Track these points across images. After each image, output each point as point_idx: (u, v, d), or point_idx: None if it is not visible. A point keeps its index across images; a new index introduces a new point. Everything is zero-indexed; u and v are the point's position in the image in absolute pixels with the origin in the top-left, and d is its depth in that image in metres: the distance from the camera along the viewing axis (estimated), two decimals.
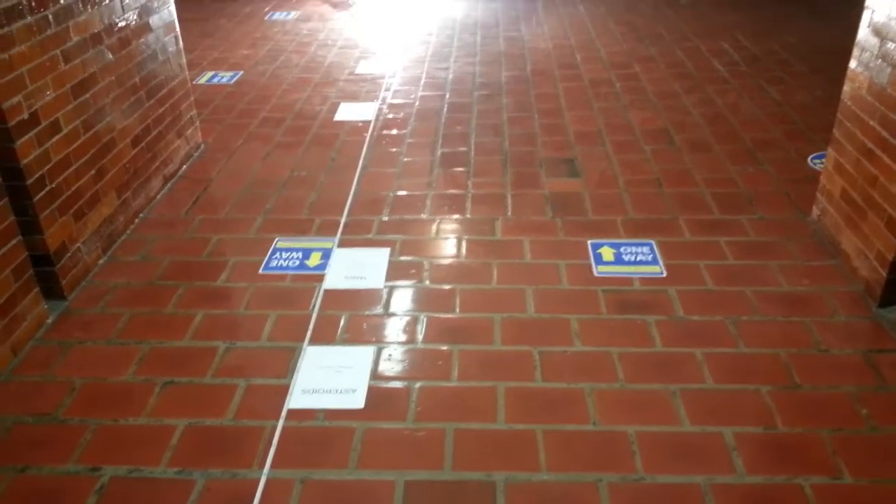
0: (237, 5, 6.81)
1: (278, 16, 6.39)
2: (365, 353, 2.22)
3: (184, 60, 3.58)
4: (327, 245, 2.81)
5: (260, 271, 2.65)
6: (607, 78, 4.58)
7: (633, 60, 4.89)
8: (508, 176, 3.38)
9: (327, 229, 2.94)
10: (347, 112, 4.19)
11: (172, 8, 3.42)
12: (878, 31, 2.33)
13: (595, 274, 2.58)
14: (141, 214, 3.07)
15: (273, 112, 4.21)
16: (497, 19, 6.08)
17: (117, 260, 2.79)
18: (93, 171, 2.69)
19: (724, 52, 4.99)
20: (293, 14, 6.42)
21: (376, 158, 3.60)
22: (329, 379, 2.10)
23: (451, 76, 4.73)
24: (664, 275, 2.55)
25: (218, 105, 4.33)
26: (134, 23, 3.02)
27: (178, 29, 3.48)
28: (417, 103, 4.29)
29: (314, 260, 2.69)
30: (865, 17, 2.41)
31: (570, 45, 5.28)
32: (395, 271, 2.65)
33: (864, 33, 2.42)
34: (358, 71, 4.89)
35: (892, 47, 2.24)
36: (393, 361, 2.20)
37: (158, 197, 3.22)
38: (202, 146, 3.75)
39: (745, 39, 5.24)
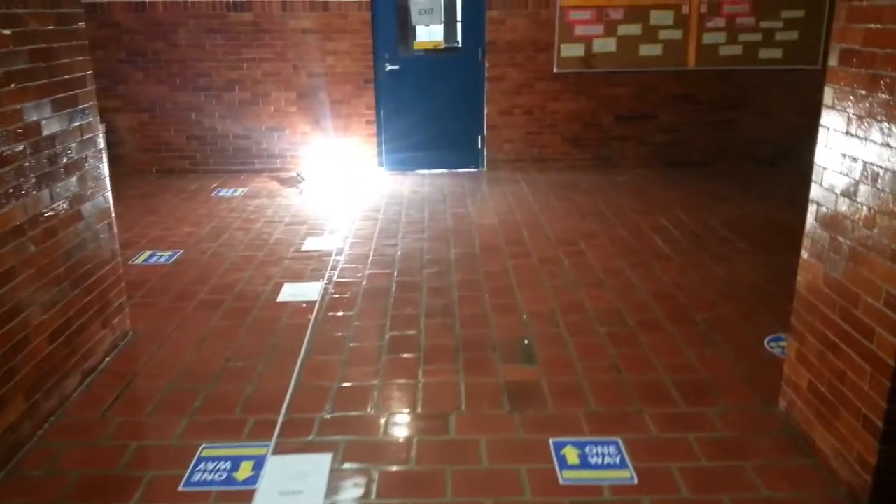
0: (185, 181, 6.81)
1: (225, 192, 6.38)
2: None
3: (117, 245, 3.41)
4: (260, 452, 2.51)
5: (180, 488, 2.33)
6: (555, 255, 4.59)
7: (578, 237, 4.95)
8: (461, 362, 3.20)
9: (262, 431, 2.66)
10: (291, 292, 4.03)
11: (108, 194, 3.30)
12: (826, 225, 2.34)
13: (560, 481, 2.34)
14: (52, 418, 2.74)
15: (212, 294, 4.01)
16: (444, 195, 6.19)
17: (19, 474, 2.43)
18: None
19: (664, 228, 5.11)
20: (240, 191, 6.42)
21: (320, 344, 3.40)
22: None
23: (399, 253, 4.68)
24: (635, 481, 2.33)
25: (153, 287, 4.12)
26: (63, 212, 2.86)
27: (112, 215, 3.34)
28: (365, 282, 4.17)
29: (244, 472, 2.39)
30: (812, 210, 2.44)
31: (515, 222, 5.35)
32: (338, 483, 2.36)
33: (812, 226, 2.43)
34: (304, 248, 4.80)
35: (843, 241, 2.23)
36: None
37: (74, 396, 2.91)
38: (130, 334, 3.48)
39: (683, 215, 5.41)
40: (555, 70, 6.82)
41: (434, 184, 6.63)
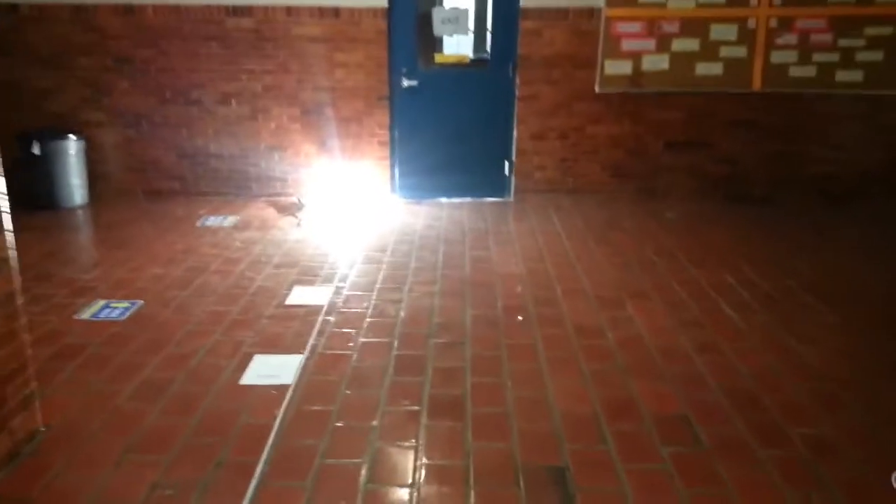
0: (171, 206, 6.02)
1: (213, 221, 5.58)
2: None
3: (21, 320, 2.57)
4: None
5: None
6: (596, 324, 3.69)
7: (624, 295, 4.04)
8: (472, 500, 2.31)
9: None
10: (260, 371, 3.17)
11: (10, 253, 2.47)
12: None
13: None
14: None
15: (160, 369, 3.17)
16: (463, 232, 5.31)
17: None
18: None
19: (730, 288, 4.18)
20: (230, 220, 5.61)
21: (284, 459, 2.53)
22: None
23: (403, 313, 3.80)
24: None
25: (91, 356, 3.29)
26: None
27: (14, 282, 2.51)
28: (356, 357, 3.30)
29: None
30: None
31: (546, 272, 4.45)
32: None
33: None
34: (289, 301, 3.95)
35: None
36: None
37: None
38: (39, 435, 2.65)
39: (750, 270, 4.47)
40: (597, 89, 5.92)
41: (453, 216, 5.76)
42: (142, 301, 3.95)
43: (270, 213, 5.84)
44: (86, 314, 3.77)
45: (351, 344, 3.44)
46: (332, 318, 3.73)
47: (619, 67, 5.88)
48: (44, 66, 5.97)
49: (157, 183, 6.31)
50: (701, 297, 4.06)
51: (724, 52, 5.83)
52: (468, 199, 6.23)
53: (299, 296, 4.04)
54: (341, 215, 5.74)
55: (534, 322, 3.70)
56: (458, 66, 6.05)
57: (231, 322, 3.68)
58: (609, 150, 6.09)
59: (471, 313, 3.82)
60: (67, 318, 3.71)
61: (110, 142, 6.19)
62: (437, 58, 6.09)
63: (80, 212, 5.91)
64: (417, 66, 6.00)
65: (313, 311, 3.83)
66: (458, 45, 6.34)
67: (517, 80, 5.96)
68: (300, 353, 3.34)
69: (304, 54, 5.94)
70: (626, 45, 5.84)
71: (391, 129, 6.12)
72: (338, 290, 4.12)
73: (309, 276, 4.37)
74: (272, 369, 3.18)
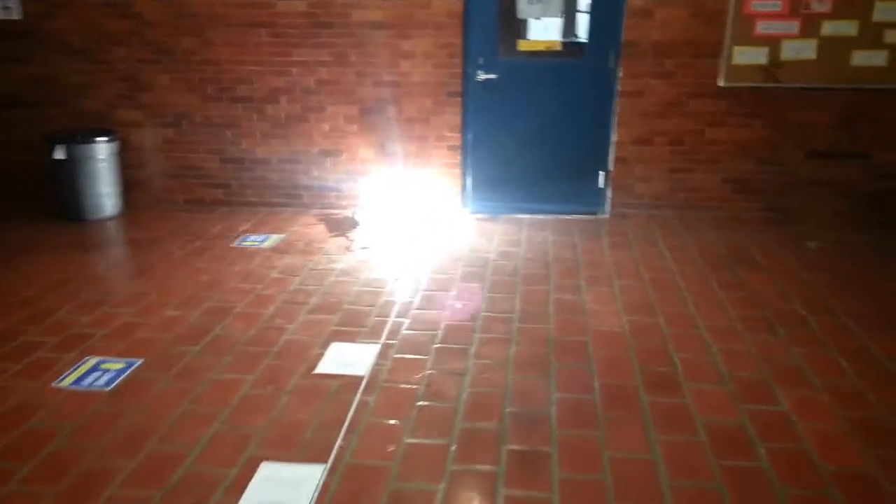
0: (211, 218, 5.26)
1: (252, 240, 4.76)
2: None
3: None
4: None
5: None
6: (738, 427, 2.61)
7: (772, 377, 2.93)
8: None
9: None
10: (268, 488, 2.28)
11: None
12: None
13: None
14: None
15: (131, 484, 2.32)
16: (546, 263, 4.28)
17: None
18: None
19: None
20: (271, 239, 4.77)
21: None
22: None
23: (465, 393, 2.84)
24: None
25: (50, 457, 2.48)
26: None
27: None
28: (395, 472, 2.36)
29: None
30: None
31: (658, 328, 3.37)
32: None
33: None
34: (321, 368, 3.06)
35: None
36: None
37: None
38: None
39: None
40: (721, 83, 4.74)
41: (534, 239, 4.72)
42: (141, 359, 3.14)
43: (320, 230, 4.97)
44: (68, 380, 2.99)
45: (392, 448, 2.50)
46: (371, 400, 2.80)
47: (751, 56, 4.68)
48: (76, 57, 5.29)
49: (199, 191, 5.56)
50: (879, 379, 2.90)
51: (891, 37, 4.53)
52: (553, 216, 5.18)
53: (335, 358, 3.13)
54: (400, 236, 4.81)
55: (647, 417, 2.66)
56: (547, 56, 4.98)
57: (241, 400, 2.81)
58: (733, 160, 4.90)
59: (557, 397, 2.81)
60: (44, 386, 2.93)
61: (148, 144, 5.48)
62: (521, 45, 5.03)
63: (108, 225, 5.21)
64: (497, 55, 4.97)
65: (349, 384, 2.91)
66: (545, 31, 5.28)
67: (619, 72, 4.85)
68: (321, 461, 2.43)
69: (363, 43, 5.02)
70: (762, 27, 4.63)
71: (463, 131, 5.14)
72: (384, 351, 3.19)
73: (352, 326, 3.46)
74: (280, 490, 2.28)
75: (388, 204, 5.30)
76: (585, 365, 3.05)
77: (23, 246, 4.66)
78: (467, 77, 5.00)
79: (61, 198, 5.22)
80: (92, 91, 5.36)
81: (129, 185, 5.51)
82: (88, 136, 5.18)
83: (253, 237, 4.83)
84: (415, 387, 2.89)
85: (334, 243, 4.69)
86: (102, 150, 5.22)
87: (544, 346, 3.23)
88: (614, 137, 4.98)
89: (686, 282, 3.94)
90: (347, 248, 4.58)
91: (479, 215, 5.26)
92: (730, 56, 4.70)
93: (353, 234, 4.86)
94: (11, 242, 4.73)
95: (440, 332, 3.37)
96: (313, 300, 3.78)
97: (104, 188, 5.29)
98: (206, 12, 5.09)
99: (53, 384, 2.94)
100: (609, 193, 5.12)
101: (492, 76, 4.97)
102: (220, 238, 4.83)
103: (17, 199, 5.53)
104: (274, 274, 4.16)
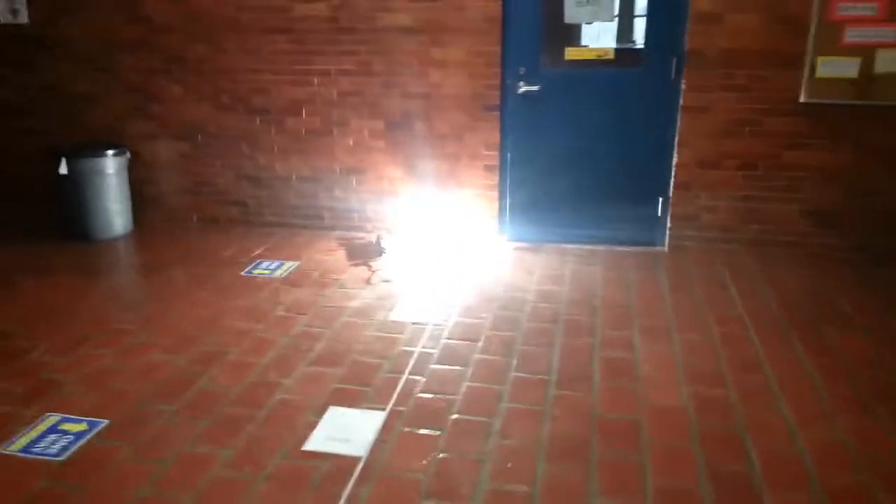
0: (225, 240, 4.84)
1: (264, 268, 4.28)
2: None
3: None
4: None
5: None
6: None
7: (875, 483, 2.27)
8: None
9: None
10: None
11: None
12: None
13: None
14: None
15: None
16: (593, 307, 3.67)
17: None
18: None
19: None
20: (284, 267, 4.29)
21: None
22: None
23: (483, 489, 2.27)
24: None
25: None
26: None
27: None
28: None
29: None
30: None
31: (729, 406, 2.74)
32: None
33: None
34: (310, 443, 2.52)
35: None
36: None
37: None
38: None
39: None
40: (802, 98, 4.07)
41: (580, 275, 4.11)
42: (106, 421, 2.67)
43: (339, 257, 4.46)
44: (19, 443, 2.53)
45: None
46: (364, 493, 2.25)
47: (838, 68, 3.99)
48: (83, 65, 4.92)
49: (214, 209, 5.13)
50: None
51: None
52: (603, 247, 4.56)
53: (330, 430, 2.60)
54: (428, 267, 4.26)
55: None
56: (597, 65, 4.37)
57: (209, 485, 2.29)
58: (815, 188, 4.21)
59: (600, 501, 2.20)
60: None
61: (160, 158, 5.08)
62: (569, 53, 4.43)
63: (114, 246, 4.82)
64: (540, 64, 4.39)
65: (341, 468, 2.37)
66: (597, 37, 4.67)
67: (682, 85, 4.21)
68: None
69: (391, 50, 4.50)
70: (852, 34, 3.94)
71: (501, 149, 4.57)
72: (390, 422, 2.64)
73: (357, 383, 2.92)
74: None
75: (417, 228, 4.77)
76: (636, 456, 2.43)
77: (16, 268, 4.29)
78: (506, 89, 4.43)
79: (67, 215, 4.86)
80: (100, 102, 4.99)
81: (141, 202, 5.12)
82: (96, 150, 4.79)
83: (265, 264, 4.35)
84: (420, 477, 2.33)
85: (353, 274, 4.17)
86: (111, 165, 4.84)
87: (586, 423, 2.63)
88: (675, 159, 4.34)
89: (762, 341, 3.28)
90: (367, 281, 4.06)
91: (519, 244, 4.68)
92: (813, 68, 4.02)
93: (375, 263, 4.33)
94: (4, 265, 4.36)
95: (459, 398, 2.80)
96: (318, 347, 3.26)
97: (113, 205, 4.91)
98: (218, 13, 4.65)
99: (2, 449, 2.49)
100: (668, 223, 4.47)
101: (534, 88, 4.39)
102: (230, 264, 4.37)
103: (20, 216, 5.19)
104: (279, 311, 3.66)
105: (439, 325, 3.47)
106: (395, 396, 2.82)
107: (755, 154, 4.22)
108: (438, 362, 3.10)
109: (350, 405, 2.76)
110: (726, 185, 4.31)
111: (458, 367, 3.05)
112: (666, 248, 4.49)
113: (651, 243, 4.54)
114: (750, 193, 4.29)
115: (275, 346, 3.27)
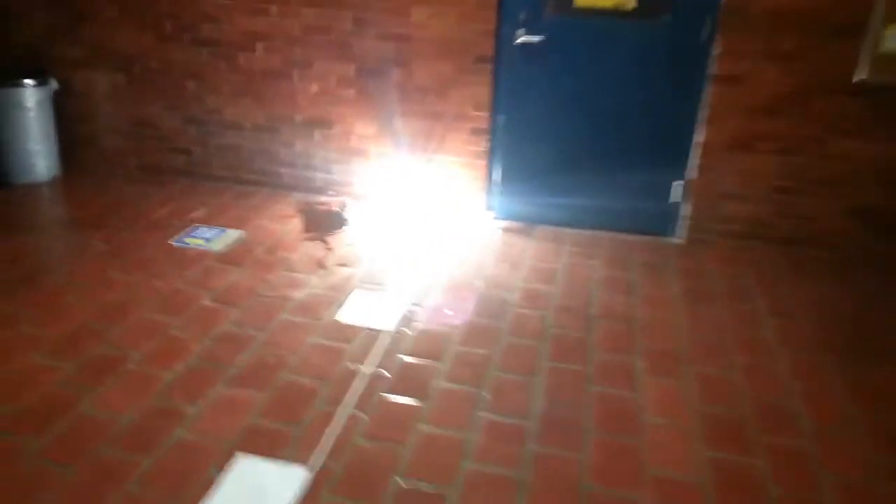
0: (161, 196, 4.12)
1: (197, 237, 3.57)
2: None
3: None
4: None
5: None
6: None
7: None
8: None
9: None
10: None
11: None
12: None
13: None
14: None
15: None
16: (588, 319, 3.01)
17: None
18: None
19: None
20: (223, 238, 3.58)
21: None
22: None
23: None
24: None
25: None
26: None
27: None
28: None
29: None
30: None
31: (756, 479, 2.13)
32: None
33: None
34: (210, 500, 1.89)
35: None
36: None
37: None
38: None
39: None
40: (861, 76, 3.32)
41: (577, 272, 3.44)
42: None
43: (293, 228, 3.75)
44: None
45: None
46: None
47: None
48: None
49: (156, 155, 4.38)
50: None
51: None
52: (606, 234, 3.88)
53: (231, 496, 1.95)
54: (395, 249, 3.57)
55: None
56: (613, 15, 3.57)
57: None
58: (866, 184, 3.50)
59: None
60: None
61: (95, 92, 4.29)
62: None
63: (33, 194, 4.11)
64: (544, 10, 3.59)
65: None
66: None
67: (715, 48, 3.45)
68: None
69: None
70: None
71: (493, 110, 3.82)
72: (315, 488, 2.00)
73: (280, 419, 2.27)
74: None
75: (389, 197, 4.06)
76: None
77: None
78: (502, 38, 3.65)
79: None
80: (20, 20, 4.16)
81: (73, 141, 4.37)
82: (12, 77, 4.01)
83: (202, 231, 3.65)
84: None
85: (305, 252, 3.48)
86: (31, 96, 4.06)
87: (572, 500, 2.00)
88: (699, 137, 3.61)
89: (796, 375, 2.64)
90: (320, 264, 3.37)
91: (508, 223, 3.98)
92: (878, 40, 3.26)
93: (334, 239, 3.63)
94: None
95: (409, 451, 2.16)
96: (242, 358, 2.59)
97: (33, 145, 4.15)
98: None
99: None
100: (686, 211, 3.77)
101: (536, 39, 3.60)
102: (160, 227, 3.66)
103: None
104: (206, 300, 2.98)
105: (398, 332, 2.81)
106: (327, 445, 2.17)
107: (797, 137, 3.49)
108: (389, 390, 2.45)
109: (266, 453, 2.11)
110: (759, 171, 3.59)
111: (413, 401, 2.40)
112: (681, 241, 3.81)
113: (663, 233, 3.85)
114: (786, 184, 3.58)
115: (189, 353, 2.61)
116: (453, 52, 3.71)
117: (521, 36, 3.60)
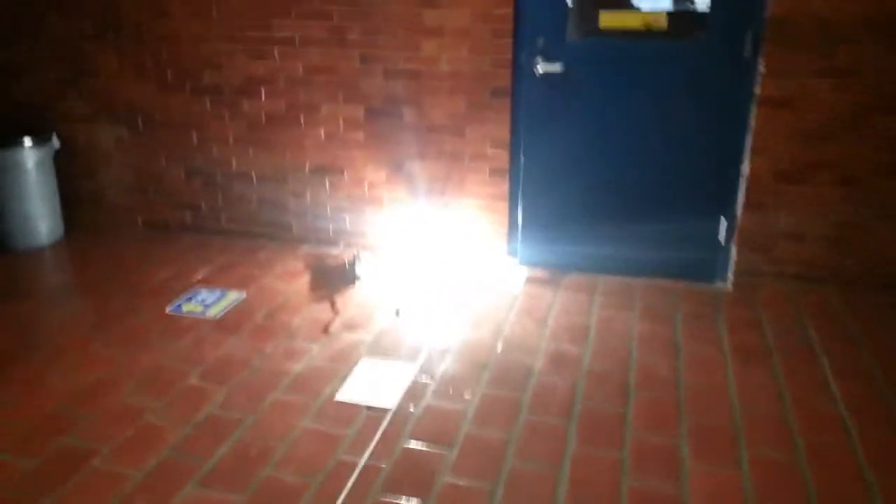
0: (167, 256, 3.89)
1: (195, 303, 3.31)
2: None
3: None
4: None
5: None
6: None
7: None
8: None
9: None
10: None
11: None
12: None
13: None
14: None
15: None
16: (625, 387, 2.62)
17: None
18: None
19: None
20: (223, 302, 3.30)
21: None
22: None
23: None
24: None
25: None
26: None
27: None
28: None
29: None
30: None
31: None
32: None
33: None
34: None
35: None
36: None
37: None
38: None
39: None
40: None
41: (612, 327, 3.03)
42: None
43: (299, 286, 3.46)
44: None
45: None
46: None
47: None
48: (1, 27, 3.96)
49: (162, 211, 4.17)
50: None
51: None
52: (644, 280, 3.46)
53: None
54: (410, 305, 3.23)
55: None
56: (643, 37, 3.20)
57: None
58: None
59: None
60: None
61: (98, 146, 4.12)
62: (604, 19, 3.26)
63: (32, 260, 3.92)
64: (566, 35, 3.24)
65: None
66: None
67: (760, 66, 3.04)
68: None
69: (371, 13, 3.42)
70: None
71: (513, 147, 3.47)
72: None
73: None
74: None
75: (404, 247, 3.74)
76: None
77: None
78: (520, 68, 3.32)
79: None
80: (27, 75, 4.03)
81: (76, 199, 4.21)
82: (11, 135, 3.86)
83: (202, 296, 3.38)
84: None
85: (310, 315, 3.17)
86: (31, 157, 3.90)
87: None
88: (747, 168, 3.19)
89: (877, 467, 2.18)
90: (325, 330, 3.05)
91: (533, 270, 3.60)
92: None
93: (342, 298, 3.32)
94: None
95: None
96: (222, 450, 2.28)
97: (34, 208, 3.98)
98: None
99: None
100: (734, 253, 3.34)
101: (557, 67, 3.25)
102: (159, 292, 3.41)
103: None
104: (193, 378, 2.69)
105: (403, 412, 2.46)
106: None
107: (858, 165, 3.04)
108: (387, 488, 2.09)
109: None
110: (816, 205, 3.15)
111: (414, 502, 2.03)
112: (729, 287, 3.37)
113: (709, 278, 3.42)
114: (848, 219, 3.13)
115: (164, 443, 2.31)
116: (467, 86, 3.39)
117: (541, 65, 3.25)
